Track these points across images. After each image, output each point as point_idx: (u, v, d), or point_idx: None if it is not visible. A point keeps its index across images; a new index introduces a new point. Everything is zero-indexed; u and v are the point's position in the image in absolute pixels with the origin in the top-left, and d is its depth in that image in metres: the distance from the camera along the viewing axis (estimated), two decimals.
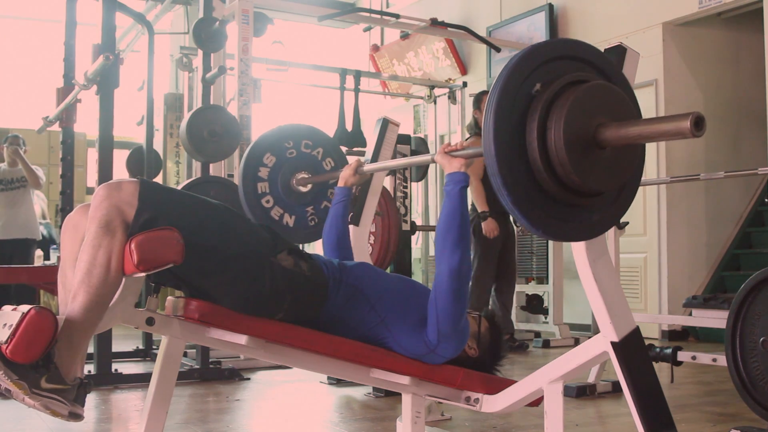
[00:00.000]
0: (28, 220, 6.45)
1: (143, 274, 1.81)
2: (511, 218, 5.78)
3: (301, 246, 3.04)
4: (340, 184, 2.73)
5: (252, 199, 3.03)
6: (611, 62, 1.78)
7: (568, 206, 1.68)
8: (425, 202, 7.94)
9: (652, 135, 1.56)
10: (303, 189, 3.09)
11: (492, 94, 1.62)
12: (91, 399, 3.85)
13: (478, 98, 5.90)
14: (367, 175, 2.84)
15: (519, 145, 1.62)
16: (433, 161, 2.23)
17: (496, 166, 1.60)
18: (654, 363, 3.21)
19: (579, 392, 3.90)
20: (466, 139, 5.93)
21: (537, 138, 1.60)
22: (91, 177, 7.84)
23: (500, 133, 1.60)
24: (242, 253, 1.95)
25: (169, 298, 2.03)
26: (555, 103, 1.61)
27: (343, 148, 6.36)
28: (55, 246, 7.81)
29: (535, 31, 8.04)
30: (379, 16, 7.48)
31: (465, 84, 7.77)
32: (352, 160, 2.85)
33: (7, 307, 1.73)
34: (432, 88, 8.01)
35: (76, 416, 1.75)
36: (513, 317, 6.44)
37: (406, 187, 5.29)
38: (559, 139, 1.58)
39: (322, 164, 3.12)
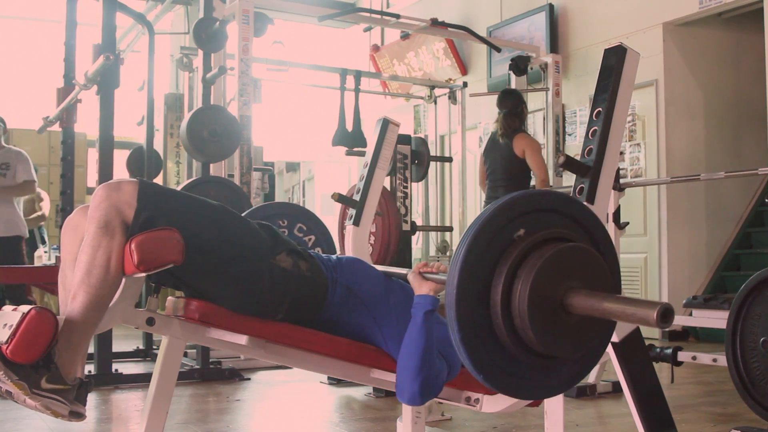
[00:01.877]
0: (10, 216, 6.04)
1: (143, 275, 1.81)
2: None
3: None
4: None
5: None
6: (603, 228, 1.71)
7: (518, 361, 1.58)
8: (425, 202, 7.94)
9: (618, 314, 1.48)
10: None
11: (474, 224, 1.57)
12: (92, 399, 3.86)
13: (515, 100, 5.63)
14: None
15: (484, 285, 1.55)
16: (407, 278, 2.13)
17: (454, 297, 1.52)
18: (654, 363, 3.20)
19: (579, 392, 3.90)
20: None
21: (503, 283, 1.53)
22: (92, 177, 7.83)
23: (469, 266, 1.53)
24: (242, 253, 1.95)
25: (169, 298, 2.03)
26: (531, 254, 1.54)
27: (343, 148, 6.44)
28: (55, 247, 7.83)
29: (536, 31, 8.05)
30: (379, 16, 7.48)
31: (465, 84, 7.77)
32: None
33: (8, 307, 1.73)
34: (432, 88, 8.01)
35: (78, 415, 1.75)
36: None
37: (406, 187, 5.29)
38: (525, 291, 1.51)
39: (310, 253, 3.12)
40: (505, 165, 5.34)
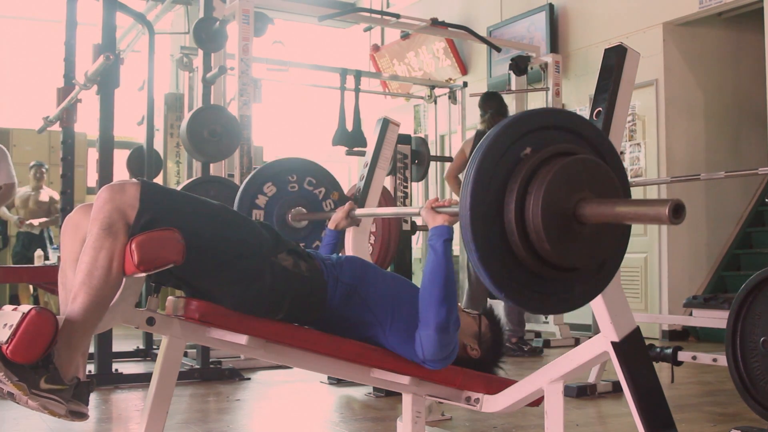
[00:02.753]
0: None
1: (144, 275, 1.81)
2: None
3: None
4: (331, 226, 2.74)
5: None
6: (605, 138, 1.74)
7: (539, 277, 1.62)
8: (425, 202, 7.93)
9: (630, 216, 1.51)
10: (297, 225, 3.08)
11: (479, 147, 1.59)
12: (92, 399, 3.84)
13: (499, 100, 5.94)
14: (358, 221, 2.86)
15: (497, 204, 1.58)
16: (419, 215, 2.20)
17: (468, 219, 1.55)
18: (654, 363, 3.20)
19: (579, 392, 3.90)
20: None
21: (516, 200, 1.56)
22: (92, 177, 7.83)
23: (479, 186, 1.56)
24: (243, 253, 1.96)
25: (169, 298, 2.03)
26: (540, 170, 1.57)
27: (343, 148, 6.44)
28: (55, 247, 7.84)
29: (536, 31, 8.04)
30: (379, 16, 7.47)
31: (465, 84, 7.77)
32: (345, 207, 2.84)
33: (8, 307, 1.73)
34: (432, 88, 8.01)
35: (80, 415, 1.76)
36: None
37: (406, 187, 5.30)
38: (537, 206, 1.54)
39: (322, 204, 3.12)
40: None
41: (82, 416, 1.77)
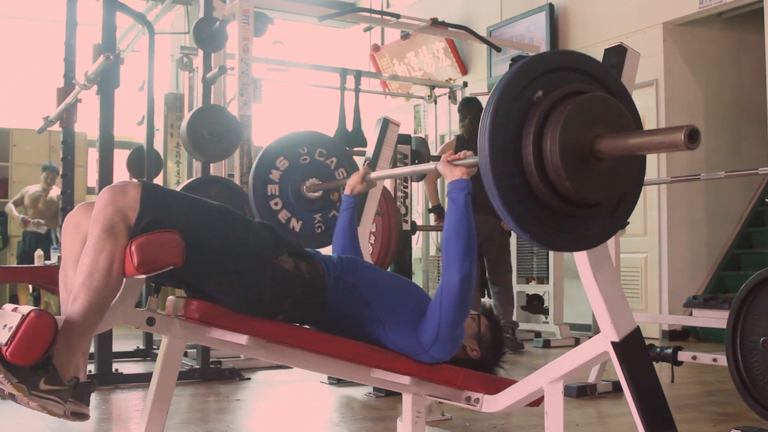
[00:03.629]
0: None
1: (144, 276, 1.81)
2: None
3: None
4: (347, 191, 2.74)
5: (261, 199, 3.05)
6: (613, 75, 1.78)
7: (562, 215, 1.67)
8: (426, 202, 7.94)
9: (647, 146, 1.55)
10: (312, 196, 3.10)
11: (493, 94, 1.63)
12: (92, 399, 3.84)
13: (479, 106, 6.12)
14: (374, 184, 2.85)
15: (514, 149, 1.62)
16: (436, 170, 2.23)
17: (489, 165, 1.60)
18: (654, 363, 3.21)
19: (579, 392, 3.90)
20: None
21: (533, 143, 1.60)
22: (92, 177, 7.84)
23: (496, 134, 1.60)
24: (243, 254, 1.96)
25: (169, 298, 2.03)
26: (554, 111, 1.62)
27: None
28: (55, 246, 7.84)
29: (536, 31, 8.04)
30: (379, 16, 7.47)
31: (465, 84, 7.77)
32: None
33: (8, 307, 1.73)
34: (432, 88, 8.01)
35: (81, 416, 1.76)
36: (513, 317, 6.46)
37: (406, 187, 5.30)
38: (555, 146, 1.58)
39: (335, 173, 3.13)
40: None
41: (82, 417, 1.77)
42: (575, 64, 1.72)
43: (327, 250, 2.89)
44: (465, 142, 5.92)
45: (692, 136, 1.45)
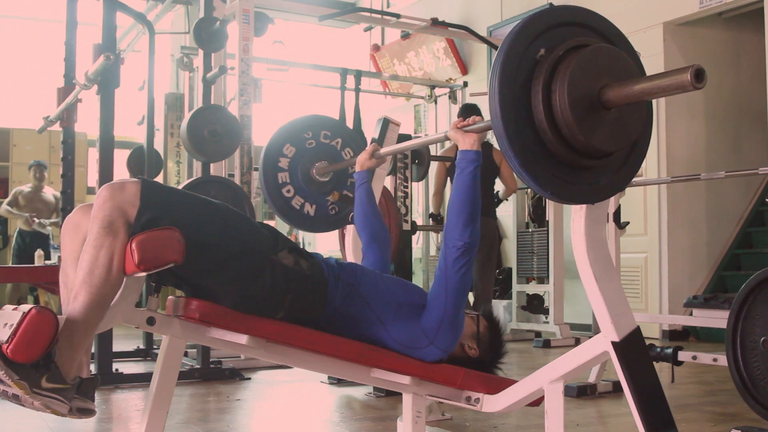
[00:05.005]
0: None
1: (144, 274, 1.81)
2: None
3: (302, 243, 3.04)
4: (357, 168, 2.74)
5: (273, 188, 3.04)
6: (612, 26, 1.82)
7: (576, 168, 1.72)
8: (426, 202, 7.94)
9: (654, 90, 1.57)
10: (323, 178, 3.10)
11: (497, 58, 1.66)
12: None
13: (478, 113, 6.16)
14: (384, 159, 2.84)
15: (524, 109, 1.66)
16: (447, 138, 2.24)
17: (502, 128, 1.63)
18: (655, 363, 3.21)
19: (580, 392, 3.90)
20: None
21: (542, 101, 1.64)
22: (92, 177, 7.83)
23: (506, 96, 1.64)
24: (243, 251, 1.96)
25: (169, 297, 2.03)
26: (559, 67, 1.65)
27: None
28: (56, 246, 7.84)
29: None
30: (379, 16, 7.48)
31: (466, 84, 7.77)
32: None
33: (8, 307, 1.73)
34: (433, 87, 8.01)
35: (88, 411, 1.77)
36: (513, 316, 6.47)
37: (406, 187, 5.30)
38: (564, 101, 1.61)
39: (342, 154, 3.13)
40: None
41: (89, 413, 1.77)
42: (573, 18, 1.75)
43: (326, 240, 2.89)
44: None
45: (698, 76, 1.47)
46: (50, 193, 8.18)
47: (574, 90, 1.62)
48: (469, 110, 6.28)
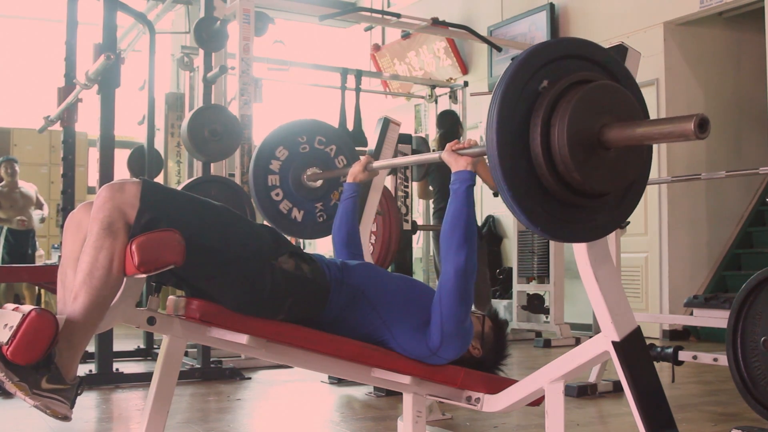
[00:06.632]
0: None
1: (144, 276, 1.81)
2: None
3: (302, 243, 3.04)
4: (349, 180, 2.72)
5: (262, 190, 3.03)
6: (619, 63, 1.77)
7: (570, 207, 1.67)
8: (426, 202, 7.94)
9: (656, 136, 1.54)
10: (313, 184, 3.09)
11: (498, 87, 1.62)
12: (92, 398, 3.86)
13: (452, 120, 6.36)
14: (376, 172, 2.83)
15: (522, 141, 1.61)
16: (440, 159, 2.21)
17: (497, 158, 1.59)
18: (655, 362, 3.20)
19: (580, 392, 3.90)
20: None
21: (541, 135, 1.59)
22: (93, 176, 7.84)
23: (504, 126, 1.59)
24: (243, 255, 1.95)
25: (170, 297, 2.03)
26: (560, 101, 1.61)
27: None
28: (56, 246, 7.83)
29: (537, 30, 8.04)
30: (380, 16, 7.47)
31: (466, 83, 7.77)
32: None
33: (8, 307, 1.73)
34: (433, 87, 8.01)
35: (64, 417, 1.74)
36: (514, 316, 6.46)
37: (407, 187, 5.29)
38: (563, 137, 1.57)
39: (335, 161, 3.12)
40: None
41: (65, 418, 1.74)
42: (579, 51, 1.70)
43: (327, 241, 2.89)
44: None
45: (702, 126, 1.44)
46: (27, 186, 7.90)
47: (574, 127, 1.57)
48: (443, 117, 6.38)
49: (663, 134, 1.53)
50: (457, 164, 2.11)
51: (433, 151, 6.30)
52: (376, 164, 2.74)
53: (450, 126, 6.29)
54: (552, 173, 1.60)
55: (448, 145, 2.17)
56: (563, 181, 1.61)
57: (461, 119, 7.62)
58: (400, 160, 2.91)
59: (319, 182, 3.09)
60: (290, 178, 3.05)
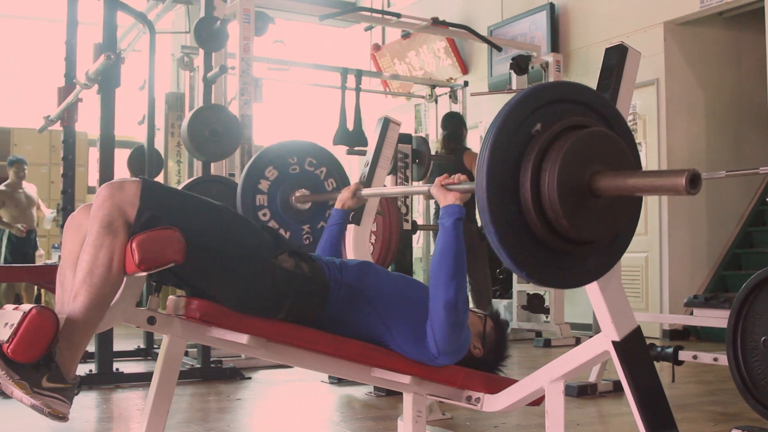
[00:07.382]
0: None
1: (144, 274, 1.81)
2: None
3: None
4: (337, 206, 2.73)
5: (249, 210, 3.01)
6: (614, 109, 1.75)
7: (556, 252, 1.65)
8: (426, 202, 7.94)
9: (647, 188, 1.53)
10: (301, 206, 3.07)
11: (491, 128, 1.60)
12: (93, 398, 3.86)
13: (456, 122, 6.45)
14: (364, 200, 2.84)
15: (512, 184, 1.59)
16: (429, 193, 2.21)
17: (486, 201, 1.56)
18: (655, 362, 3.20)
19: (580, 392, 3.90)
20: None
21: (531, 179, 1.57)
22: (93, 176, 7.83)
23: (494, 169, 1.57)
24: (243, 254, 1.95)
25: (170, 297, 2.03)
26: (552, 146, 1.58)
27: (344, 147, 6.46)
28: (56, 246, 7.83)
29: (537, 30, 8.04)
30: (380, 16, 7.47)
31: (466, 83, 7.77)
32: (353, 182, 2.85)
33: (9, 306, 1.73)
34: (433, 87, 8.01)
35: (63, 417, 1.74)
36: (514, 316, 6.46)
37: None
38: (553, 183, 1.55)
39: (324, 184, 3.10)
40: None
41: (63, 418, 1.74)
42: (574, 95, 1.68)
43: None
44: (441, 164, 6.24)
45: (693, 182, 1.41)
46: (29, 188, 7.93)
47: (565, 173, 1.55)
48: (449, 118, 6.38)
49: (654, 187, 1.52)
50: (446, 199, 2.12)
51: (436, 151, 6.30)
52: (364, 192, 2.75)
53: (454, 128, 6.33)
54: (540, 218, 1.58)
55: (437, 180, 2.18)
56: (551, 227, 1.59)
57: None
58: (389, 190, 2.89)
59: (308, 204, 3.07)
60: (278, 199, 3.02)
